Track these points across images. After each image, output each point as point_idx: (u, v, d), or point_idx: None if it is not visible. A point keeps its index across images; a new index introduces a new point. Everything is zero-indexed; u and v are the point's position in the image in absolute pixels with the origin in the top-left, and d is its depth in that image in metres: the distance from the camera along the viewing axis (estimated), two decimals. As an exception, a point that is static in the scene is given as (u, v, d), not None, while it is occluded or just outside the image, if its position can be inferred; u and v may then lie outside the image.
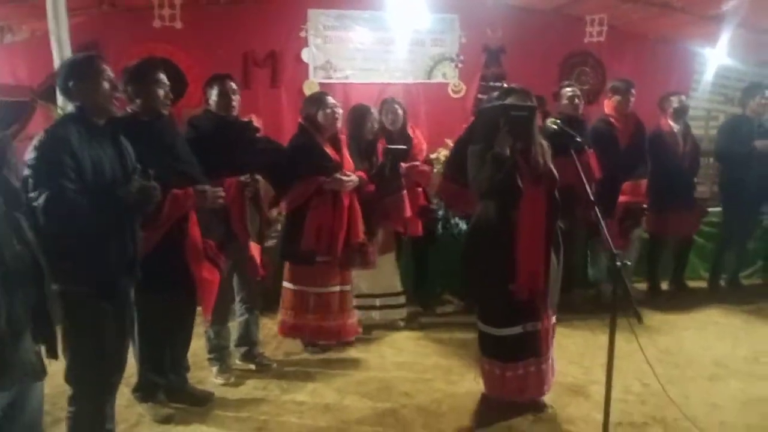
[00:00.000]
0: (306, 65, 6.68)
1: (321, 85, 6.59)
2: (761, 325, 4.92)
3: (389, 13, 6.51)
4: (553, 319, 3.35)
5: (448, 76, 7.01)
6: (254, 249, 3.78)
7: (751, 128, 5.43)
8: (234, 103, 3.77)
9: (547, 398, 3.43)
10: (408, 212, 4.47)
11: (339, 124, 4.18)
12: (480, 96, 7.00)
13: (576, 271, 5.22)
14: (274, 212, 4.87)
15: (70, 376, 2.68)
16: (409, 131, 4.84)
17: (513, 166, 3.05)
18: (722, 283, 5.91)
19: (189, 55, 6.23)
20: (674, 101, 5.39)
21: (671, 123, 5.40)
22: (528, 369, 3.24)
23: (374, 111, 4.52)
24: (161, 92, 3.15)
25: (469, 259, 3.35)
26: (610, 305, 2.70)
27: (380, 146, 4.52)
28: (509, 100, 3.19)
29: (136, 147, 2.90)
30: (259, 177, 3.78)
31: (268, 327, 4.64)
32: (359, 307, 4.60)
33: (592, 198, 3.02)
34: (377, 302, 4.69)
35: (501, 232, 3.12)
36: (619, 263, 2.74)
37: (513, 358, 3.22)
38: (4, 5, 5.60)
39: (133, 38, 6.14)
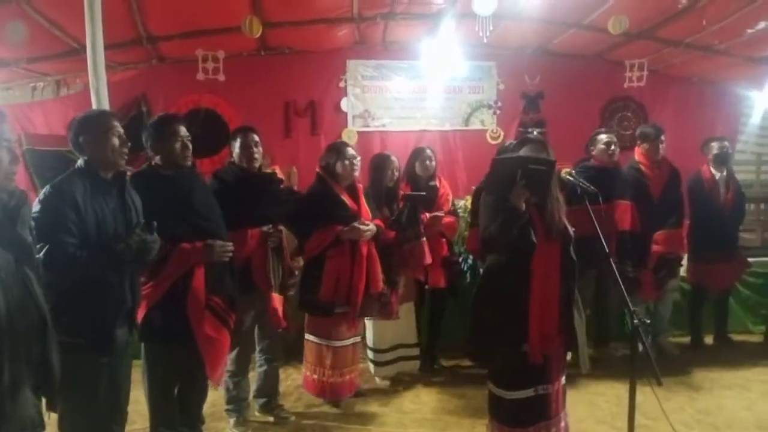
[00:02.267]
0: (345, 114, 6.81)
1: (359, 133, 6.72)
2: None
3: (426, 62, 6.56)
4: (563, 379, 3.12)
5: (486, 122, 7.01)
6: (276, 300, 3.75)
7: None
8: (256, 156, 3.78)
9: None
10: (428, 260, 4.40)
11: (357, 173, 4.17)
12: (519, 142, 6.97)
13: (612, 324, 5.07)
14: (300, 261, 4.88)
15: (62, 427, 2.64)
16: (436, 181, 4.79)
17: (528, 221, 2.90)
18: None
19: (231, 106, 6.48)
20: (714, 147, 5.13)
21: (712, 170, 5.17)
22: None
23: (394, 159, 4.50)
24: (178, 146, 3.18)
25: (478, 316, 3.09)
26: (630, 366, 2.57)
27: (401, 193, 4.50)
28: (524, 151, 3.04)
29: (154, 200, 2.94)
30: (282, 227, 3.82)
31: (292, 378, 4.62)
32: (378, 363, 4.54)
33: (606, 250, 2.97)
34: (393, 355, 4.58)
35: (513, 289, 2.93)
36: (636, 320, 2.65)
37: (521, 423, 3.00)
38: (62, 60, 5.96)
39: (179, 90, 6.43)
